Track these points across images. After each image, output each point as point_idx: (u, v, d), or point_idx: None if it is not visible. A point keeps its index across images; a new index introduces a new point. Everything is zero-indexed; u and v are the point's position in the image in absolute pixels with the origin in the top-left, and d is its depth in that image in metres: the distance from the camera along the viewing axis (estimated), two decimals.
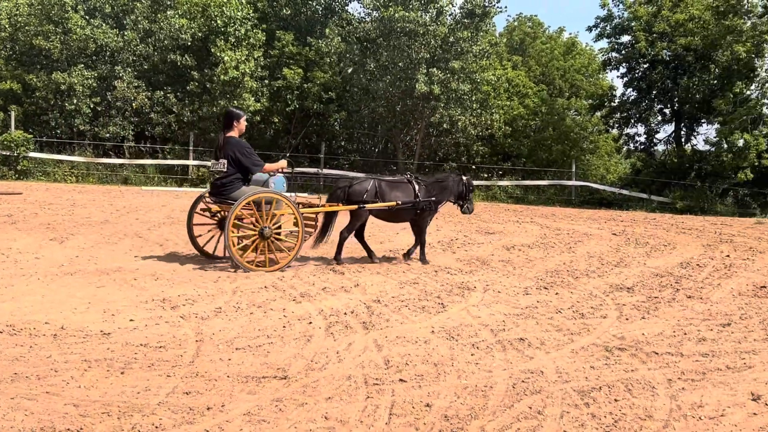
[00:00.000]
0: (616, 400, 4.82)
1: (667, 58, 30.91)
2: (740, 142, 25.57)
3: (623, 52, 31.77)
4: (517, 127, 33.12)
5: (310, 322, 6.64)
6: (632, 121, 32.89)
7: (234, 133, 9.56)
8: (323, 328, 6.48)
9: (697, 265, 11.07)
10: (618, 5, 32.01)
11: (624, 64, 32.02)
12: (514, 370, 5.44)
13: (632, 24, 31.06)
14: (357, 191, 10.04)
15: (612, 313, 7.49)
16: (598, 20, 32.17)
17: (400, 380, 5.11)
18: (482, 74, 28.02)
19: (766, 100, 26.65)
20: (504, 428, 4.29)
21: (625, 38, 31.95)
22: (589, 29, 32.60)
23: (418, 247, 10.56)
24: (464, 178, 11.01)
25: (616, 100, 33.46)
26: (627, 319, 7.27)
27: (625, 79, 32.26)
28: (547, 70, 36.69)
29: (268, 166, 9.58)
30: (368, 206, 9.99)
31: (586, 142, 35.14)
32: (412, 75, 26.72)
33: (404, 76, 27.19)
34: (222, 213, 9.73)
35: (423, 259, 10.40)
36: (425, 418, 4.43)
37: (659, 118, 33.09)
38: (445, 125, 28.26)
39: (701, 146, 31.77)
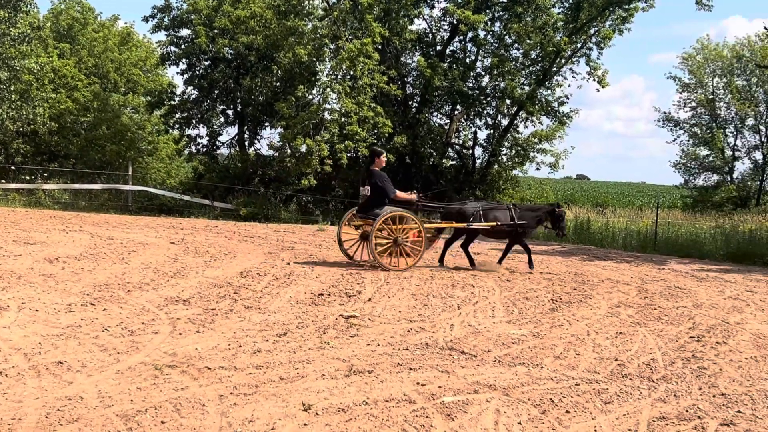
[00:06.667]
0: (162, 422, 4.86)
1: (230, 57, 32.02)
2: (303, 148, 27.35)
3: (183, 46, 32.13)
4: (65, 123, 31.96)
5: None
6: (194, 121, 33.34)
7: (376, 167, 13.27)
8: None
9: (258, 274, 11.64)
10: None
11: (184, 60, 32.39)
12: (50, 397, 5.22)
13: (192, 17, 31.58)
14: (467, 212, 13.74)
15: (165, 328, 7.54)
16: (156, 10, 32.16)
17: None
18: (22, 61, 26.52)
19: (327, 105, 28.90)
20: None
21: (185, 32, 32.35)
22: (146, 19, 32.43)
23: (525, 255, 14.21)
24: (557, 210, 14.14)
25: (177, 99, 33.72)
26: (181, 333, 7.39)
27: (186, 76, 32.68)
28: (101, 62, 35.90)
29: (399, 194, 13.30)
30: (474, 225, 13.61)
31: (145, 142, 35.08)
32: None
33: None
34: (364, 227, 13.40)
35: (530, 264, 13.93)
36: None
37: (222, 119, 34.08)
38: None
39: (265, 151, 33.42)
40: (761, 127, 43.40)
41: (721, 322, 9.47)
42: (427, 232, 13.60)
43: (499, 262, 14.12)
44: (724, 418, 5.59)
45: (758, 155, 43.54)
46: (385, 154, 13.87)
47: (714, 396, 6.16)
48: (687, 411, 5.73)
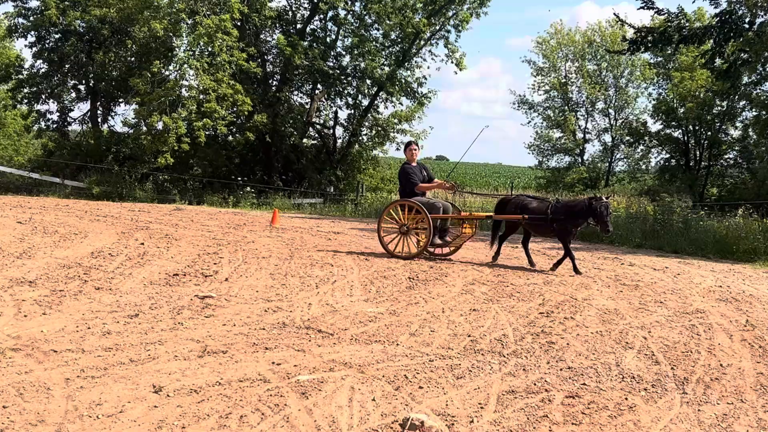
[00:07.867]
0: (4, 407, 4.68)
1: (81, 30, 30.90)
2: (159, 125, 26.73)
3: (32, 18, 30.83)
4: None
5: None
6: (43, 96, 32.10)
7: (406, 158, 13.75)
8: None
9: (110, 254, 11.31)
10: None
11: (33, 33, 31.10)
12: None
13: None
14: (507, 205, 13.25)
15: (9, 311, 7.25)
16: None
17: None
18: None
19: (185, 82, 28.29)
20: None
21: (34, 3, 31.14)
22: None
23: (568, 259, 12.42)
24: (594, 203, 12.18)
25: (25, 73, 32.38)
26: (26, 315, 7.12)
27: (35, 49, 31.38)
28: None
29: (421, 185, 13.32)
30: (494, 216, 13.20)
31: None
32: None
33: None
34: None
35: (575, 270, 12.18)
36: None
37: (73, 94, 32.91)
38: None
39: (120, 128, 32.46)
40: (610, 110, 45.32)
41: (570, 298, 9.84)
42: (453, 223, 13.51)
43: (571, 268, 12.48)
44: (569, 391, 5.81)
45: (607, 138, 45.49)
46: (412, 146, 13.82)
47: (561, 369, 6.39)
48: (535, 384, 5.93)
